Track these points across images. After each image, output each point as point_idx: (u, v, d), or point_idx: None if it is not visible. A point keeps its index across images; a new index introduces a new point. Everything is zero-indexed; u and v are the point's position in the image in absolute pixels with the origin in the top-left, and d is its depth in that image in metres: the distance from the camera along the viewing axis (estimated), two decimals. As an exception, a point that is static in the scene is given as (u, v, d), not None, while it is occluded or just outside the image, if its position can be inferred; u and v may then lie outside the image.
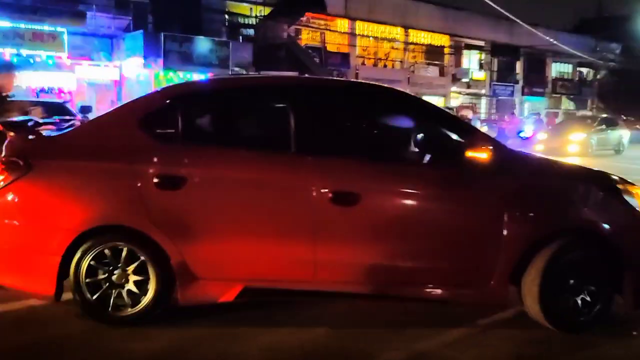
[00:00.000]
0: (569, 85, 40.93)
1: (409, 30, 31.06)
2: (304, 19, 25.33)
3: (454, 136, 3.69)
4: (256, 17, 24.61)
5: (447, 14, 32.35)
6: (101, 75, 20.68)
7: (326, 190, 3.37)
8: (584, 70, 41.70)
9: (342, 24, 28.42)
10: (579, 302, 3.49)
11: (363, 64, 29.46)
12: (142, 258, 3.38)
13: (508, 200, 3.46)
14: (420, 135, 3.79)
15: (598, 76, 40.53)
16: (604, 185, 3.75)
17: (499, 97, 37.17)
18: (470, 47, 35.12)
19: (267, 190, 3.46)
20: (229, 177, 3.46)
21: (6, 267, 3.48)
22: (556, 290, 3.45)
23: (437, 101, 32.91)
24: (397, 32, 30.70)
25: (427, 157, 3.69)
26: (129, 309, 3.41)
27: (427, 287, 3.55)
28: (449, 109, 28.45)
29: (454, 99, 33.91)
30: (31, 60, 18.04)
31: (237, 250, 3.44)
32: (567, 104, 40.02)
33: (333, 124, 3.88)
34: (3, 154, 3.46)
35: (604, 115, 24.39)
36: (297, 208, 3.45)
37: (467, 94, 35.34)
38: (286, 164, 3.49)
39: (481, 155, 3.46)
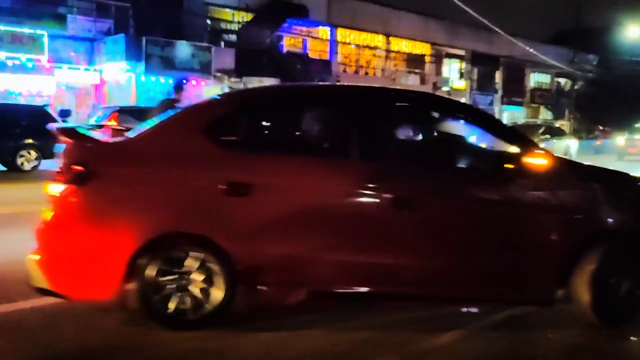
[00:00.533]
0: (547, 95, 41.61)
1: (391, 39, 31.37)
2: (286, 25, 25.44)
3: (510, 145, 3.82)
4: (239, 22, 24.68)
5: (429, 23, 32.75)
6: (81, 79, 20.55)
7: (388, 195, 3.44)
8: (562, 80, 42.41)
9: (325, 31, 28.61)
10: (622, 298, 3.69)
11: (345, 71, 29.66)
12: (208, 264, 3.40)
13: (561, 205, 3.64)
14: (480, 144, 4.02)
15: (575, 87, 41.23)
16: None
17: (479, 106, 37.64)
18: (450, 56, 35.57)
19: (330, 196, 3.55)
20: (294, 183, 3.50)
21: (69, 277, 3.39)
22: (604, 289, 3.61)
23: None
24: (379, 40, 30.99)
25: (486, 164, 3.90)
26: (194, 314, 3.41)
27: (488, 288, 3.68)
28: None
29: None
30: (10, 63, 17.89)
31: (301, 256, 3.49)
32: (545, 114, 40.64)
33: (397, 132, 4.10)
34: (63, 161, 3.43)
35: (550, 124, 24.66)
36: (360, 214, 3.51)
37: (448, 103, 35.66)
38: (350, 170, 3.56)
39: (535, 162, 3.59)
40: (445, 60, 35.59)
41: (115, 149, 3.66)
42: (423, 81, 34.01)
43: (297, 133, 4.06)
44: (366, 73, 31.15)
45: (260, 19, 23.67)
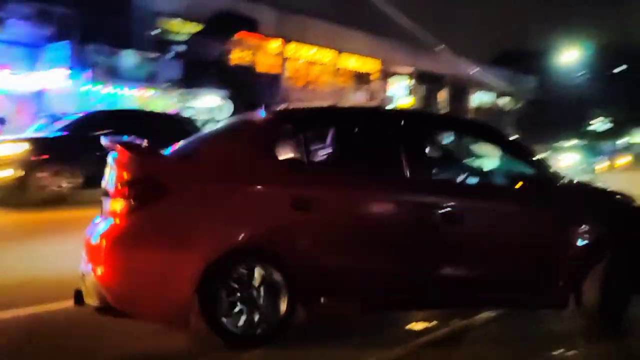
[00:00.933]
0: (490, 114, 43.10)
1: (340, 55, 31.91)
2: (235, 38, 25.51)
3: (531, 167, 4.32)
4: (188, 34, 24.59)
5: (376, 40, 33.51)
6: (21, 85, 19.97)
7: (440, 210, 3.79)
8: (504, 100, 44.05)
9: (274, 45, 28.85)
10: (618, 299, 4.22)
11: (293, 85, 29.93)
12: (273, 278, 3.50)
13: (574, 219, 4.16)
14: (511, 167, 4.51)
15: (517, 106, 42.85)
16: (635, 206, 4.60)
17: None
18: (397, 73, 36.43)
19: (389, 211, 3.92)
20: (353, 199, 3.77)
21: (134, 296, 3.33)
22: (608, 292, 4.12)
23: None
24: (328, 55, 31.47)
25: (517, 183, 4.26)
26: (260, 329, 3.48)
27: (515, 294, 4.12)
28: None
29: (382, 123, 34.80)
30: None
31: (362, 268, 3.69)
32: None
33: (441, 152, 4.76)
34: (125, 175, 3.34)
35: None
36: (415, 228, 3.82)
37: (395, 119, 36.34)
38: (405, 187, 3.90)
39: (552, 182, 4.23)
40: (393, 78, 36.43)
41: (182, 164, 3.65)
42: (370, 98, 34.68)
43: (356, 150, 4.30)
44: (314, 89, 31.51)
45: (209, 30, 23.63)
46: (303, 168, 3.84)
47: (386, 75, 35.62)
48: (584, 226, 4.13)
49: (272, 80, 27.47)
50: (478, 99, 43.02)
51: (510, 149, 4.56)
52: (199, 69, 22.29)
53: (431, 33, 26.26)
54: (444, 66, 35.00)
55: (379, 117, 4.71)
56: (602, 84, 43.91)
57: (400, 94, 37.11)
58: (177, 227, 3.38)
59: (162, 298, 3.34)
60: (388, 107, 5.38)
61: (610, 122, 44.78)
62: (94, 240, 3.40)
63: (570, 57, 41.10)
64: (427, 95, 38.52)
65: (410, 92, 37.54)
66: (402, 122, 4.27)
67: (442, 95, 39.52)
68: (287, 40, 28.93)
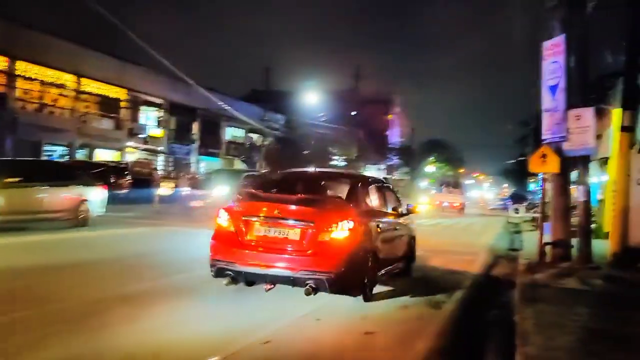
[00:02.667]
0: (241, 148, 44.43)
1: (82, 79, 29.28)
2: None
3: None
4: None
5: (124, 67, 31.80)
6: None
7: None
8: (254, 135, 45.86)
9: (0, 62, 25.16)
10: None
11: (24, 107, 26.39)
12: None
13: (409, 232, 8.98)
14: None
15: (265, 142, 44.93)
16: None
17: (176, 155, 37.87)
18: (148, 103, 35.08)
19: None
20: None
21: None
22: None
23: (113, 155, 31.54)
24: (67, 78, 28.58)
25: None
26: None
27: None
28: (124, 163, 27.48)
29: (130, 154, 33.04)
30: None
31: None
32: (239, 165, 43.12)
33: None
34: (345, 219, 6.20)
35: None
36: None
37: (145, 150, 34.93)
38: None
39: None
40: (143, 107, 34.92)
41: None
42: (118, 126, 32.64)
43: None
44: (52, 112, 28.26)
45: None
46: None
47: (136, 103, 33.94)
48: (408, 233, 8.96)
49: (-4, 100, 23.75)
50: (230, 133, 43.92)
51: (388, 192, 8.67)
52: None
53: (184, 65, 25.77)
54: (197, 99, 34.85)
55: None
56: (340, 124, 48.89)
57: (151, 124, 35.74)
58: None
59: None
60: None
61: (345, 160, 49.87)
62: None
63: (313, 99, 44.87)
64: (178, 127, 37.83)
65: (160, 123, 36.41)
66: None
67: (195, 128, 39.29)
68: (14, 57, 25.41)
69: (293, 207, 6.26)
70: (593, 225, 13.47)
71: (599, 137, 16.54)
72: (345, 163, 49.72)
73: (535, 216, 21.04)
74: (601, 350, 4.75)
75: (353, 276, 6.10)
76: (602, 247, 11.56)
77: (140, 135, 34.34)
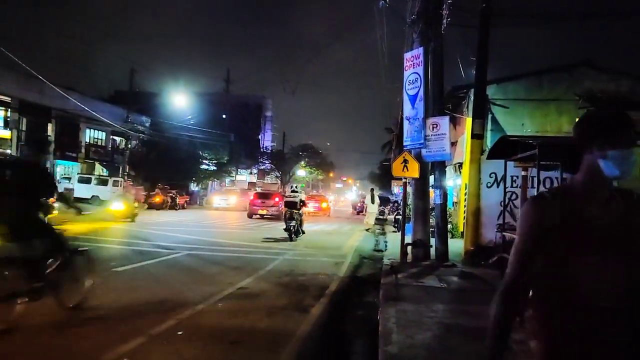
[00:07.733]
0: (102, 151, 41.75)
1: None
2: None
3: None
4: None
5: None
6: None
7: None
8: (117, 138, 43.34)
9: None
10: None
11: None
12: None
13: None
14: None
15: (129, 145, 42.64)
16: None
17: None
18: (-6, 101, 31.73)
19: None
20: None
21: None
22: None
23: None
24: None
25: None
26: None
27: None
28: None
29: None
30: None
31: None
32: (100, 170, 40.52)
33: None
34: None
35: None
36: None
37: (-10, 153, 31.50)
38: None
39: None
40: (-12, 106, 31.51)
41: None
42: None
43: None
44: None
45: None
46: None
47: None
48: None
49: None
50: (90, 135, 41.10)
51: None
52: None
53: (39, 63, 23.66)
54: (52, 99, 32.18)
55: None
56: (210, 128, 47.96)
57: (-3, 124, 32.37)
58: None
59: None
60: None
61: (215, 164, 48.98)
62: None
63: (181, 101, 43.50)
64: (30, 128, 34.66)
65: (7, 124, 33.10)
66: None
67: (50, 129, 36.22)
68: None
69: None
70: (449, 226, 14.48)
71: (454, 144, 17.97)
72: (215, 168, 48.85)
73: (399, 217, 22.17)
74: (456, 344, 5.03)
75: None
76: (458, 246, 12.47)
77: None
